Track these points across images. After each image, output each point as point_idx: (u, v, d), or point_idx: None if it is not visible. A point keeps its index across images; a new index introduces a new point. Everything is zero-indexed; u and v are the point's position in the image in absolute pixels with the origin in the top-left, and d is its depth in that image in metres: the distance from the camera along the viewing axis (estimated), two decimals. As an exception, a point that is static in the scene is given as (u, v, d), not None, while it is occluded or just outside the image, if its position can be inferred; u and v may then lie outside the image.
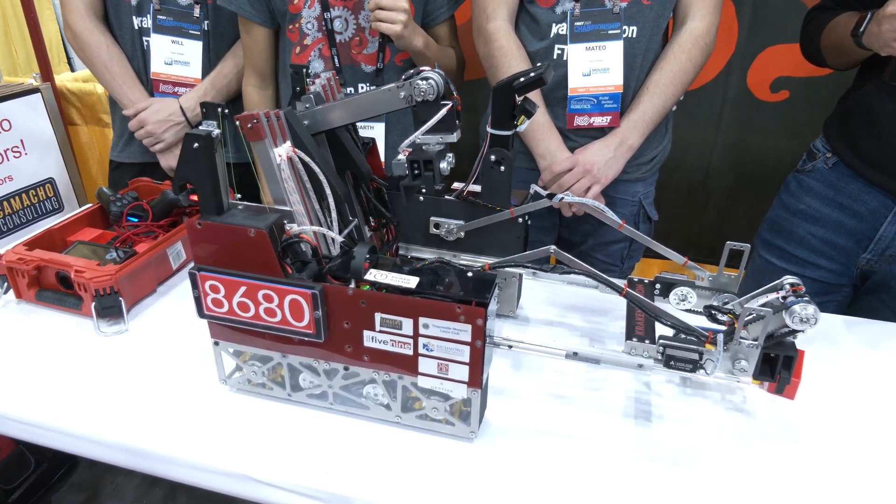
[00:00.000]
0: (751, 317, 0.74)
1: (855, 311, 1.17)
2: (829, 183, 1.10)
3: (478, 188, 0.93)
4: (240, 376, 0.84)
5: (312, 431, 0.79)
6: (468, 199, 0.93)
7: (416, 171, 0.79)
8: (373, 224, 0.96)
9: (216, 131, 0.71)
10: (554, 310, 1.05)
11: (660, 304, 0.88)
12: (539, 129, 1.16)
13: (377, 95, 0.78)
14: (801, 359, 0.87)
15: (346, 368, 0.78)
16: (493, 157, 0.89)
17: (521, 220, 0.92)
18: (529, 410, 0.83)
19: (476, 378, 0.73)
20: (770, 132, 1.47)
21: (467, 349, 0.71)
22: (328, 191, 0.79)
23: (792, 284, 0.76)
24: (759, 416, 0.83)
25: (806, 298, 0.73)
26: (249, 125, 0.73)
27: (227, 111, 0.71)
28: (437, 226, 0.96)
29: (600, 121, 1.16)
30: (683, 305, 0.86)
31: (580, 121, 1.16)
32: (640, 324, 0.79)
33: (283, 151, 0.75)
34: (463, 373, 0.73)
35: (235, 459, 0.75)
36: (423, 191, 0.95)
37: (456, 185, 0.97)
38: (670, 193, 1.53)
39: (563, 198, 0.86)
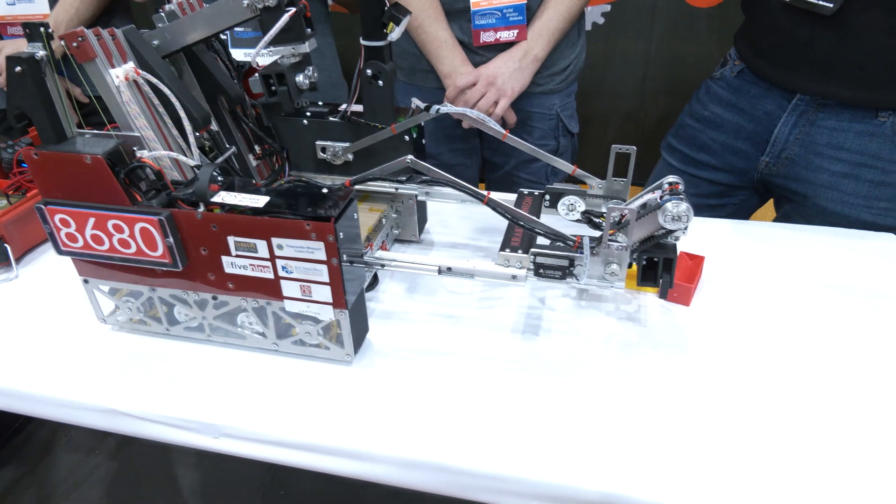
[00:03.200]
0: (625, 217, 0.70)
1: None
2: (733, 89, 1.07)
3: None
4: (119, 314, 0.82)
5: (189, 364, 0.77)
6: (351, 119, 0.89)
7: (272, 88, 0.75)
8: (258, 152, 0.92)
9: (40, 52, 0.66)
10: (463, 233, 1.01)
11: (549, 215, 0.85)
12: (442, 47, 1.10)
13: (219, 6, 0.73)
14: (700, 265, 0.84)
15: (214, 298, 0.75)
16: (369, 72, 0.84)
17: (407, 138, 0.88)
18: (417, 332, 0.81)
19: (340, 298, 0.70)
20: (703, 41, 1.40)
21: (325, 268, 0.68)
22: (182, 114, 0.74)
23: (671, 183, 0.73)
24: (650, 325, 0.81)
25: (681, 196, 0.70)
26: (75, 44, 0.68)
27: (50, 31, 0.67)
28: (323, 150, 0.92)
29: (507, 35, 1.10)
30: (572, 216, 0.83)
31: (486, 37, 1.10)
32: (517, 235, 0.76)
33: (121, 72, 0.70)
34: (326, 294, 0.70)
35: (107, 396, 0.73)
36: (308, 114, 0.91)
37: (344, 106, 0.92)
38: (603, 112, 1.47)
39: (439, 109, 0.81)
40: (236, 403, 0.72)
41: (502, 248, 0.73)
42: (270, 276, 0.71)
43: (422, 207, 0.98)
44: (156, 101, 0.75)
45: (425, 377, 0.74)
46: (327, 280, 0.69)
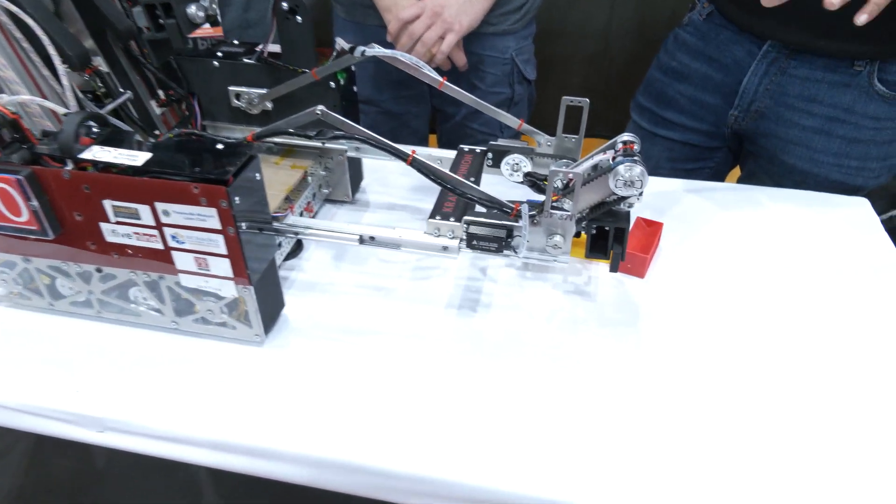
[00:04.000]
0: (571, 181, 0.61)
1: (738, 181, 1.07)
2: (701, 34, 0.97)
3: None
4: (-4, 286, 0.71)
5: (74, 345, 0.67)
6: (268, 62, 0.77)
7: (159, 20, 0.62)
8: (162, 99, 0.80)
9: None
10: (403, 193, 0.92)
11: (493, 175, 0.76)
12: (381, -23, 0.98)
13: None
14: (658, 232, 0.76)
15: (98, 270, 0.65)
16: (284, 5, 0.72)
17: (332, 84, 0.77)
18: (340, 307, 0.72)
19: (241, 272, 0.60)
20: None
21: (221, 238, 0.58)
22: (51, 51, 0.62)
23: (625, 142, 0.64)
24: (600, 299, 0.73)
25: (635, 158, 0.61)
26: None
27: None
28: (238, 96, 0.80)
29: (457, -33, 0.97)
30: (517, 177, 0.74)
31: (434, -32, 0.97)
32: (451, 200, 0.66)
33: (-37, -3, 0.57)
34: (224, 267, 0.61)
35: (-26, 382, 0.63)
36: (220, 54, 0.79)
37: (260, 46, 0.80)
38: (567, 61, 1.36)
39: (364, 51, 0.70)
40: (126, 392, 0.62)
41: (433, 215, 0.64)
42: (159, 246, 0.61)
43: (355, 165, 0.87)
44: (18, 35, 0.62)
45: (345, 360, 0.65)
46: (225, 252, 0.59)
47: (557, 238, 0.60)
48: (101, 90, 0.73)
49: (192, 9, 0.63)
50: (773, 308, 0.71)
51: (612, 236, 0.65)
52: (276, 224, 0.65)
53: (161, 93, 0.80)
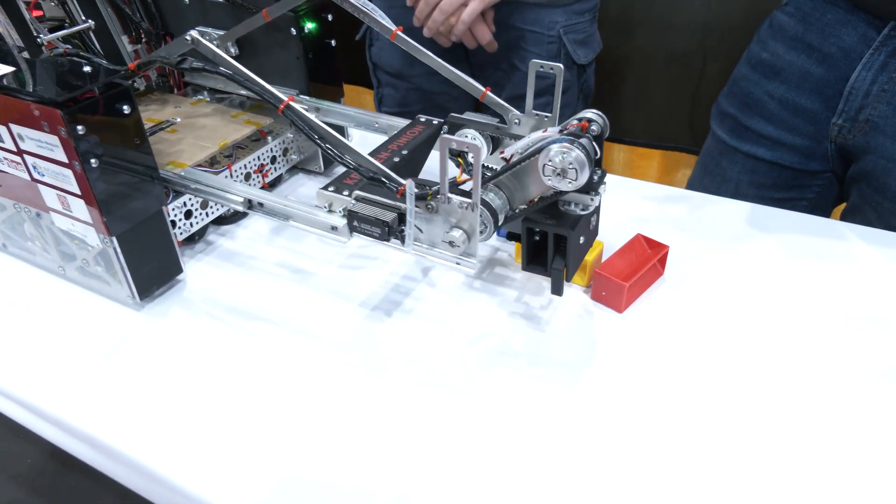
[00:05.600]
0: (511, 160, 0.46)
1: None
2: (802, 16, 0.73)
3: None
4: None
5: (-28, 274, 0.64)
6: (234, 1, 0.69)
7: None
8: (133, 36, 0.75)
9: None
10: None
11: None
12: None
13: None
14: (659, 258, 0.57)
15: (-10, 198, 0.60)
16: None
17: (293, 31, 0.67)
18: (247, 284, 0.62)
19: (99, 219, 0.52)
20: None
21: (71, 174, 0.50)
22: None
23: (581, 119, 0.47)
24: (550, 331, 0.55)
25: (581, 140, 0.44)
26: None
27: None
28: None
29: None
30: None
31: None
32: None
33: None
34: (83, 210, 0.53)
35: None
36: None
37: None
38: (650, 58, 1.14)
39: (307, -14, 0.59)
40: (-18, 332, 0.57)
41: (328, 185, 0.51)
42: (26, 176, 0.54)
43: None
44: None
45: (218, 348, 0.55)
46: (78, 191, 0.51)
47: (456, 233, 0.45)
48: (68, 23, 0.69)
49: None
50: (793, 413, 0.50)
51: (551, 245, 0.48)
52: (149, 171, 0.55)
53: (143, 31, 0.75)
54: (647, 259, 0.58)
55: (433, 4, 0.83)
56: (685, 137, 1.17)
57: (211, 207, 0.66)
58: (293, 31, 0.67)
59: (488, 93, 0.58)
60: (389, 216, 0.46)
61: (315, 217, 0.51)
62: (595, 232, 0.54)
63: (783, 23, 0.76)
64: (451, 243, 0.45)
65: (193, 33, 0.50)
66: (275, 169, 0.74)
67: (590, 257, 0.58)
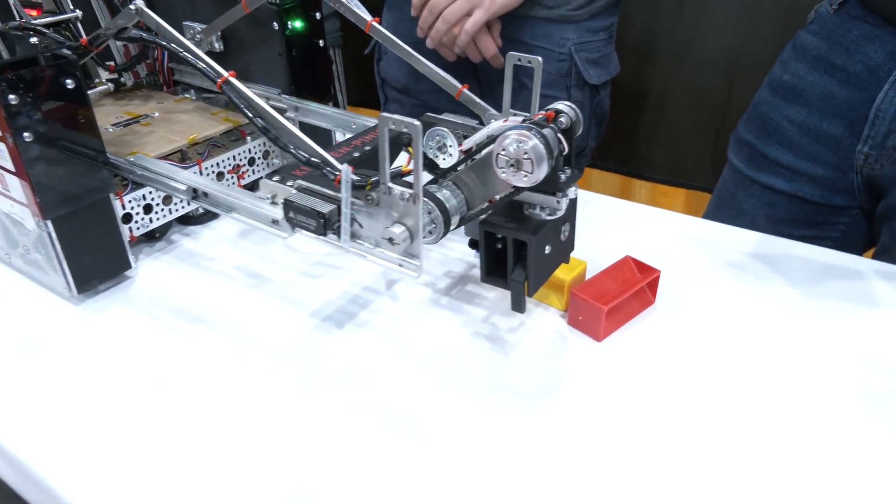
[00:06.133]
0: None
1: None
2: (827, 33, 0.67)
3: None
4: None
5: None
6: (219, -6, 0.66)
7: None
8: (123, 29, 0.73)
9: None
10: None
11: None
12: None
13: None
14: (647, 283, 0.51)
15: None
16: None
17: (276, 25, 0.64)
18: (200, 287, 0.57)
19: (32, 198, 0.49)
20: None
21: (5, 148, 0.47)
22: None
23: (549, 110, 0.41)
24: (513, 357, 0.48)
25: (549, 129, 0.38)
26: None
27: None
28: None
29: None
30: (446, 160, 0.53)
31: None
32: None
33: None
34: (18, 190, 0.49)
35: None
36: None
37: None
38: (670, 92, 1.08)
39: (282, -27, 0.56)
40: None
41: (272, 174, 0.46)
42: (-33, 152, 0.51)
43: (322, 136, 0.73)
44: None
45: (152, 349, 0.50)
46: (12, 167, 0.48)
47: (396, 229, 0.39)
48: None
49: None
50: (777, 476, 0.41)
51: (510, 253, 0.42)
52: (95, 153, 0.51)
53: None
54: (633, 283, 0.51)
55: (437, 13, 0.80)
56: (709, 176, 1.10)
57: (175, 204, 0.62)
58: (275, 25, 0.64)
59: (465, 90, 0.53)
60: (327, 208, 0.41)
61: (259, 209, 0.46)
62: (569, 246, 0.47)
63: (806, 42, 0.70)
64: (390, 240, 0.39)
65: (138, 2, 0.47)
66: (253, 171, 0.70)
67: (569, 277, 0.51)
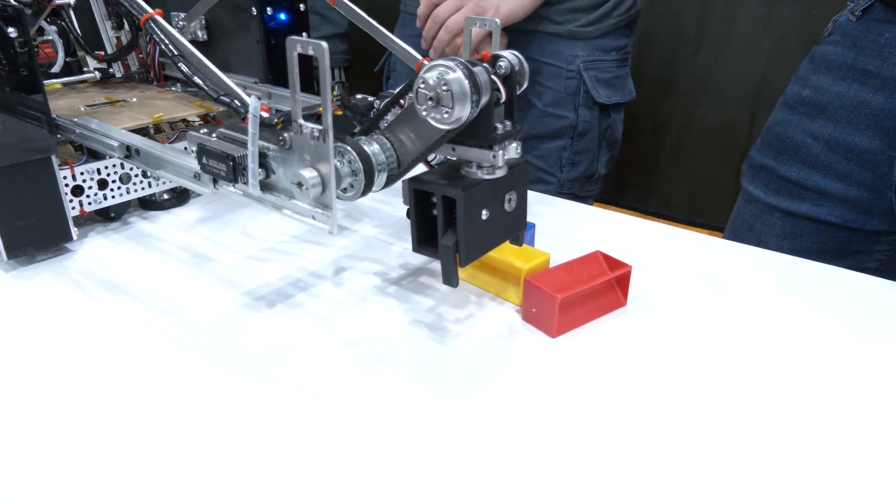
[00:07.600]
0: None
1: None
2: (851, 41, 0.62)
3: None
4: None
5: None
6: (207, -16, 0.66)
7: None
8: (114, 24, 0.74)
9: None
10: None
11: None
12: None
13: None
14: (617, 278, 0.45)
15: None
16: None
17: (254, 10, 0.63)
18: (141, 266, 0.54)
19: (-39, 150, 0.47)
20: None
21: (-63, 94, 0.46)
22: None
23: (497, 55, 0.37)
24: (453, 347, 0.43)
25: (480, 68, 0.34)
26: None
27: None
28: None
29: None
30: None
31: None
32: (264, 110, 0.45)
33: None
34: (-50, 140, 0.47)
35: None
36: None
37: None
38: (694, 125, 1.03)
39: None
40: None
41: (200, 126, 0.43)
42: (-85, 104, 0.50)
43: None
44: None
45: (72, 322, 0.46)
46: (-55, 115, 0.46)
47: (306, 173, 0.35)
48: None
49: None
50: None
51: (440, 215, 0.37)
52: (36, 110, 0.49)
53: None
54: (599, 277, 0.45)
55: (440, 23, 0.78)
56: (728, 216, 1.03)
57: (133, 184, 0.60)
58: (254, 11, 0.63)
59: (426, 62, 0.50)
60: (238, 151, 0.37)
61: (184, 163, 0.43)
62: (519, 221, 0.42)
63: (827, 54, 0.65)
64: (299, 184, 0.35)
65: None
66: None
67: (526, 266, 0.46)
